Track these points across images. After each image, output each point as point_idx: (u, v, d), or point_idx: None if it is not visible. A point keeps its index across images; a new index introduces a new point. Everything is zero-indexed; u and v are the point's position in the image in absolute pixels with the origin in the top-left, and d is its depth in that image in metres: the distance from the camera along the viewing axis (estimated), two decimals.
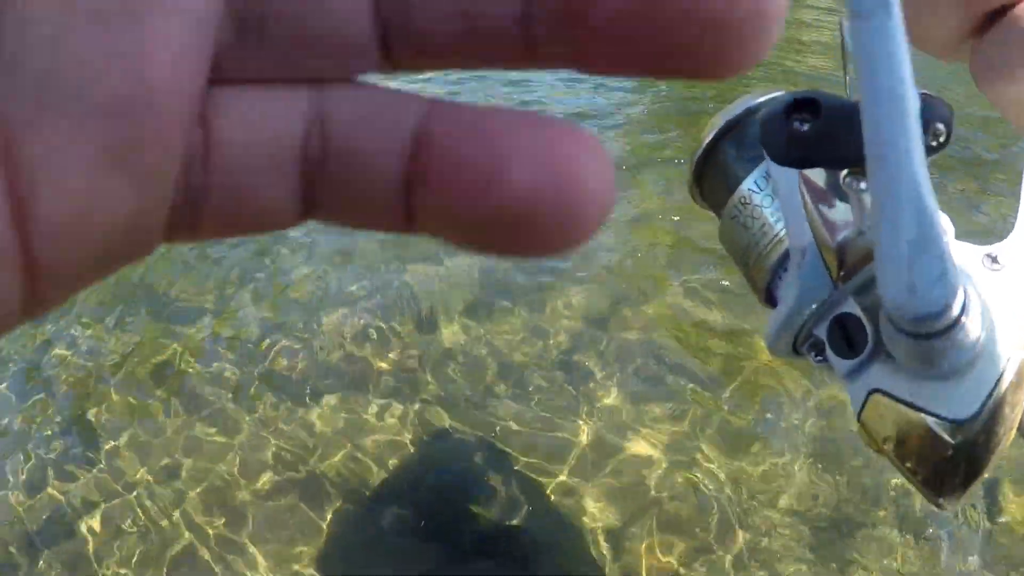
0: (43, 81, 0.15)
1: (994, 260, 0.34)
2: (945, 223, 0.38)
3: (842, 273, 0.42)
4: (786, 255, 0.48)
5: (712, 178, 0.53)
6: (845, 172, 0.39)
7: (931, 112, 0.33)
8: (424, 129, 0.17)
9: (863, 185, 0.37)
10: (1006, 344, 0.36)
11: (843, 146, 0.33)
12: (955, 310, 0.34)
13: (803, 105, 0.36)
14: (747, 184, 0.50)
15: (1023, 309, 0.35)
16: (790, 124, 0.34)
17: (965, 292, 0.36)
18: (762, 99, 0.51)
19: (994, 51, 0.31)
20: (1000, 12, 0.31)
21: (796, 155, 0.34)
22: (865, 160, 0.28)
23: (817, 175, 0.43)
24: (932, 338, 0.35)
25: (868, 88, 0.26)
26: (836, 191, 0.40)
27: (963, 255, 0.37)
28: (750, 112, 0.51)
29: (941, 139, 0.33)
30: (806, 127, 0.33)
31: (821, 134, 0.33)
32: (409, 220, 0.18)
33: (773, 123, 0.34)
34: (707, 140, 0.52)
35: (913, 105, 0.26)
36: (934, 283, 0.30)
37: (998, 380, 0.37)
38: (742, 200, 0.50)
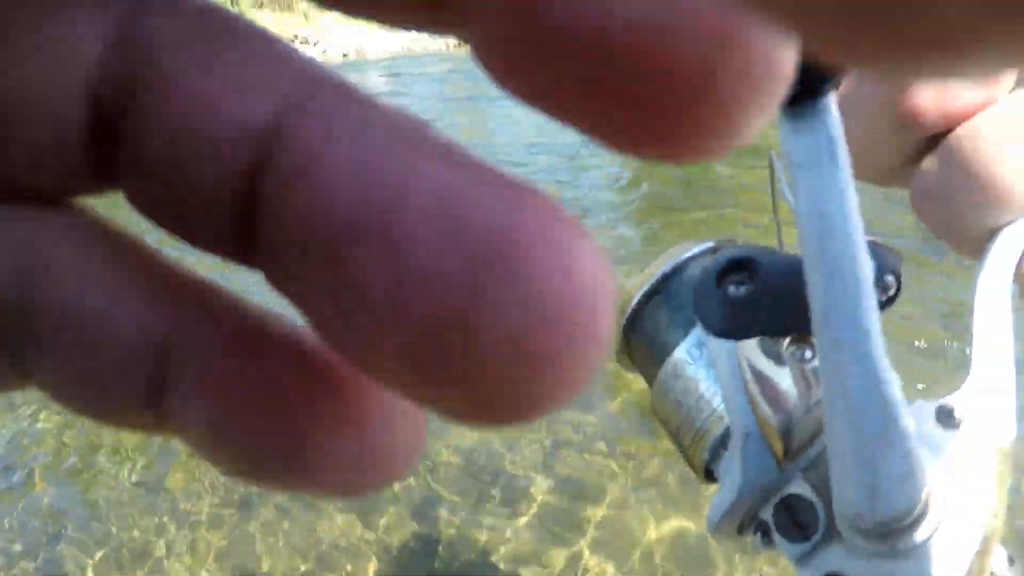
0: None
1: (949, 415, 0.31)
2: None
3: (788, 452, 0.39)
4: (726, 433, 0.44)
5: (640, 346, 0.48)
6: (788, 340, 0.35)
7: (881, 264, 0.30)
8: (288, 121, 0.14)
9: (809, 355, 0.34)
10: (968, 514, 0.32)
11: (785, 312, 0.29)
12: (919, 507, 0.31)
13: (738, 265, 0.33)
14: (679, 353, 0.45)
15: (983, 469, 0.32)
16: (725, 289, 0.31)
17: (927, 476, 0.32)
18: (691, 253, 0.47)
19: (931, 177, 0.31)
20: (935, 140, 0.31)
21: (733, 325, 0.31)
22: (813, 333, 0.26)
23: (757, 342, 0.39)
24: (891, 536, 0.32)
25: (815, 253, 0.25)
26: (778, 360, 0.37)
27: (917, 414, 0.34)
28: (677, 270, 0.47)
29: (891, 292, 0.31)
30: (742, 290, 0.30)
31: (760, 299, 0.30)
32: (244, 244, 0.15)
33: (706, 290, 0.31)
34: (632, 303, 0.47)
35: (866, 270, 0.25)
36: (898, 483, 0.27)
37: (963, 553, 0.33)
38: (675, 372, 0.46)
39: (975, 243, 0.30)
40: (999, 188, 0.28)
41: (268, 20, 42.06)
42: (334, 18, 40.28)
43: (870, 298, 0.25)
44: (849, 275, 0.25)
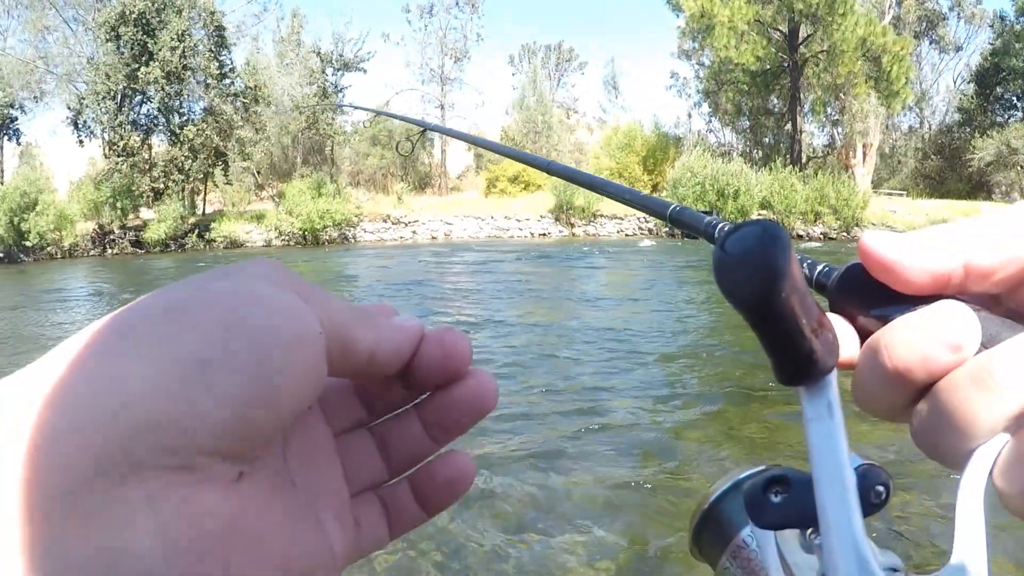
0: None
1: None
2: (894, 559, 0.47)
3: None
4: None
5: (709, 535, 0.64)
6: (811, 530, 0.46)
7: (873, 479, 0.41)
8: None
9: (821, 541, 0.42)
10: None
11: (808, 512, 0.39)
12: None
13: (777, 481, 0.48)
14: (737, 540, 0.61)
15: None
16: (767, 496, 0.43)
17: None
18: (746, 474, 0.63)
19: (924, 418, 0.39)
20: (927, 387, 0.39)
21: (772, 520, 0.42)
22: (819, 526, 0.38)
23: (791, 533, 0.53)
24: None
25: (817, 473, 0.38)
26: (804, 544, 0.47)
27: None
28: (738, 484, 0.63)
29: (882, 498, 0.41)
30: (779, 498, 0.41)
31: (791, 504, 0.40)
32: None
33: (755, 496, 0.42)
34: (706, 504, 0.64)
35: (851, 483, 0.37)
36: None
37: None
38: (733, 553, 0.61)
39: (959, 460, 0.38)
40: (972, 429, 0.37)
41: (364, 199, 44.80)
42: (424, 203, 42.89)
43: (855, 504, 0.37)
44: (839, 487, 0.37)
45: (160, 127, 42.35)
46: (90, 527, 0.29)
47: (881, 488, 0.42)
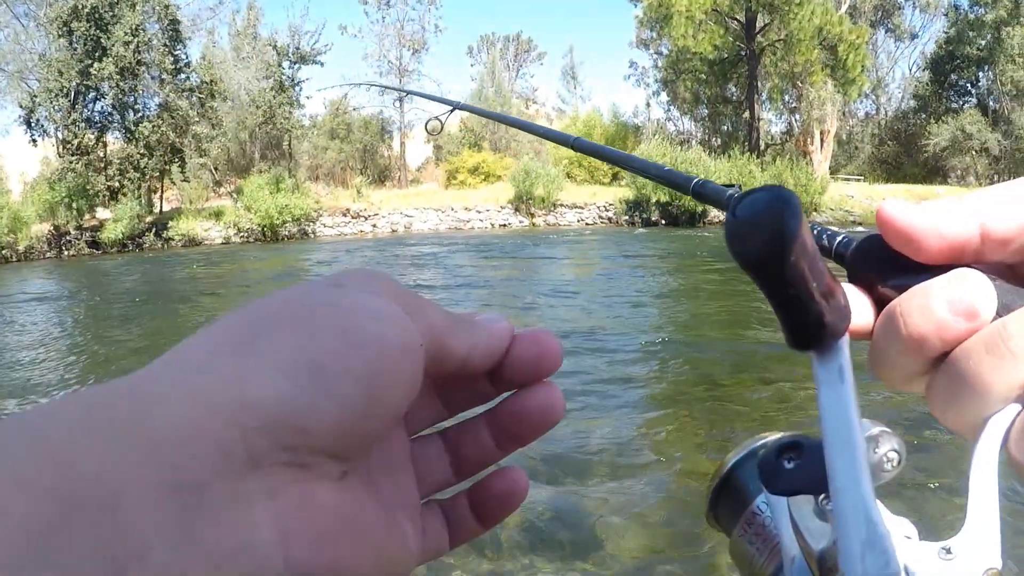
0: None
1: (948, 551, 0.38)
2: (908, 527, 0.47)
3: (823, 572, 0.49)
4: (782, 564, 0.58)
5: (725, 503, 0.66)
6: (823, 496, 0.48)
7: (886, 444, 0.43)
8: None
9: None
10: None
11: (820, 478, 0.41)
12: None
13: (790, 447, 0.49)
14: (752, 507, 0.62)
15: None
16: (780, 463, 0.44)
17: None
18: (761, 442, 0.65)
19: (939, 387, 0.40)
20: (943, 356, 0.39)
21: (785, 487, 0.42)
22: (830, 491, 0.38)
23: (803, 499, 0.52)
24: None
25: (828, 437, 0.38)
26: (817, 510, 0.49)
27: (921, 551, 0.42)
28: (753, 453, 0.65)
29: (895, 464, 0.43)
30: (792, 464, 0.42)
31: (804, 470, 0.41)
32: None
33: (768, 462, 0.43)
34: (723, 471, 0.65)
35: (861, 447, 0.37)
36: (881, 572, 0.36)
37: None
38: (748, 520, 0.63)
39: (973, 429, 0.38)
40: (986, 397, 0.37)
41: (323, 193, 44.46)
42: (384, 197, 42.64)
43: (864, 467, 0.37)
44: (849, 452, 0.37)
45: (115, 124, 41.82)
46: (216, 518, 0.30)
47: (894, 454, 0.43)
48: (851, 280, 0.45)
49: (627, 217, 39.66)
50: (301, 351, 0.34)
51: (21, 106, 40.56)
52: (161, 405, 0.31)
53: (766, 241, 0.36)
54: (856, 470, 0.37)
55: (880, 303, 0.43)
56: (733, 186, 0.75)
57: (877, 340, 0.43)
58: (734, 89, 52.25)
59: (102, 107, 41.46)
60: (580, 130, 51.85)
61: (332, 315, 0.36)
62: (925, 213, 0.41)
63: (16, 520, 0.26)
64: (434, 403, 0.50)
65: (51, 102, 39.37)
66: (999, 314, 0.38)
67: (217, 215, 39.40)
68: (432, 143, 63.12)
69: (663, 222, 38.58)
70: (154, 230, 37.47)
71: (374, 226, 40.27)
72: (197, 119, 42.10)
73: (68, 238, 36.96)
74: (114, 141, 42.37)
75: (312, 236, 39.29)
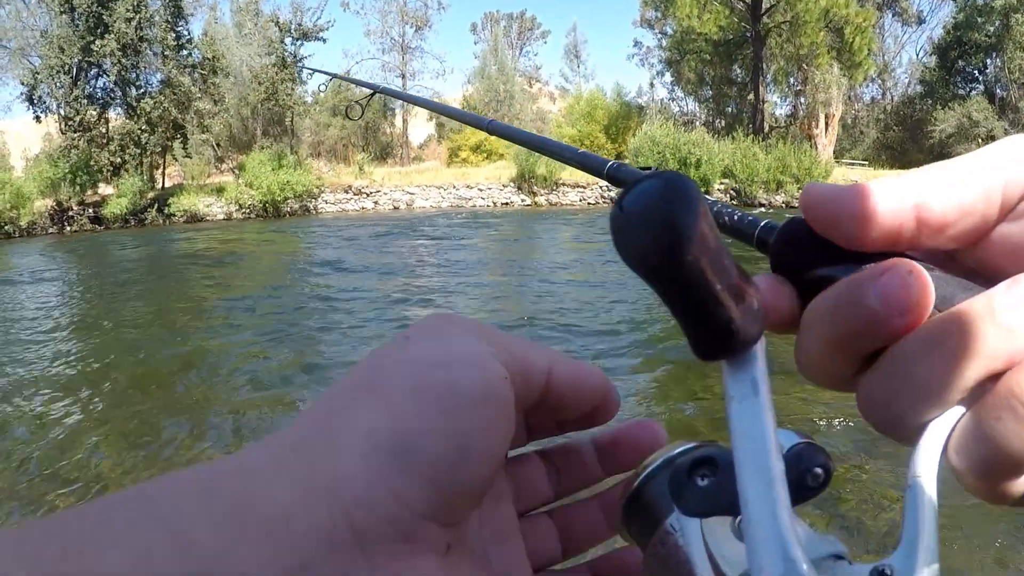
0: None
1: (882, 574, 0.35)
2: (838, 546, 0.43)
3: None
4: None
5: (637, 517, 0.60)
6: (739, 518, 0.42)
7: (809, 460, 0.37)
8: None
9: None
10: None
11: (735, 498, 0.38)
12: None
13: (705, 462, 0.45)
14: (665, 526, 0.56)
15: None
16: (692, 479, 0.40)
17: None
18: (679, 450, 0.60)
19: (871, 389, 0.37)
20: (874, 355, 0.37)
21: (696, 507, 0.39)
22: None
23: (720, 519, 0.48)
24: None
25: (739, 458, 0.35)
26: (736, 531, 0.46)
27: (852, 575, 0.42)
28: (669, 462, 0.58)
29: (820, 481, 0.37)
30: (705, 482, 0.39)
31: (718, 488, 0.38)
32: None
33: (678, 479, 0.40)
34: (634, 485, 0.60)
35: (777, 469, 0.34)
36: None
37: None
38: (661, 537, 0.57)
39: (910, 436, 0.35)
40: (924, 401, 0.34)
41: (324, 170, 44.45)
42: (386, 174, 42.54)
43: (780, 491, 0.33)
44: (762, 475, 0.33)
45: (117, 101, 41.57)
46: None
47: (819, 470, 0.38)
48: (774, 269, 0.42)
49: None
50: (379, 419, 0.34)
51: (23, 83, 40.35)
52: (269, 486, 0.32)
53: (656, 238, 0.32)
54: (770, 497, 0.34)
55: (806, 295, 0.40)
56: (650, 168, 0.72)
57: (802, 336, 0.40)
58: (739, 71, 51.94)
59: (104, 83, 41.23)
60: (583, 109, 52.20)
61: (403, 375, 0.36)
62: (854, 195, 0.38)
63: None
64: (542, 479, 0.49)
65: (53, 79, 39.17)
66: (938, 308, 0.36)
67: (219, 191, 39.17)
68: (435, 120, 62.85)
69: None
70: (156, 206, 37.31)
71: (376, 203, 40.08)
72: (199, 95, 41.91)
73: (71, 214, 36.86)
74: (116, 117, 42.17)
75: (314, 212, 39.06)
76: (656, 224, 0.31)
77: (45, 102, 40.48)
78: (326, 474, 0.33)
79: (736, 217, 0.49)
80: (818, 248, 0.39)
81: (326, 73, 7.53)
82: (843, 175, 39.84)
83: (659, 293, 0.34)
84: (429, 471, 0.33)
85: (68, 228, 36.45)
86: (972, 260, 0.40)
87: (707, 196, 0.43)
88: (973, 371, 0.33)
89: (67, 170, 37.11)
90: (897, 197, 0.38)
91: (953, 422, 0.35)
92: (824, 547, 0.38)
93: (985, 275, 0.38)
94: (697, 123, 53.12)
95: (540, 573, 0.48)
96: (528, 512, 0.49)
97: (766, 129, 48.47)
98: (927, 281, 0.35)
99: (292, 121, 49.60)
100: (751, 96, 50.00)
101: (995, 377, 0.33)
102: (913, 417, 0.35)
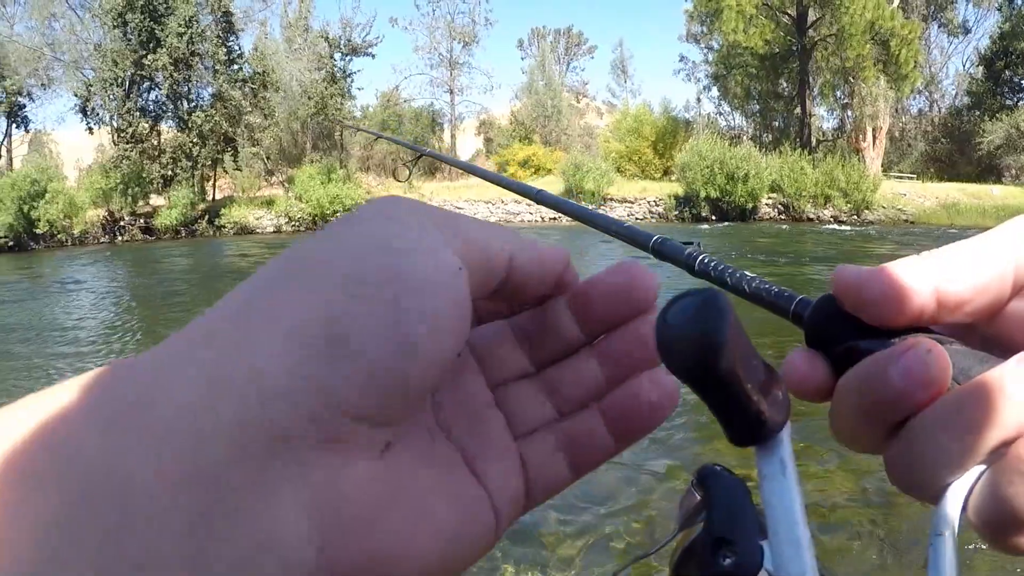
0: None
1: None
2: None
3: None
4: None
5: None
6: None
7: None
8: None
9: None
10: None
11: (756, 569, 0.42)
12: None
13: (725, 543, 0.53)
14: None
15: None
16: (718, 561, 0.46)
17: None
18: (692, 539, 0.66)
19: (897, 455, 0.40)
20: (899, 424, 0.39)
21: None
22: None
23: None
24: None
25: (773, 531, 0.38)
26: None
27: None
28: (690, 551, 0.67)
29: None
30: (728, 561, 0.44)
31: (740, 567, 0.43)
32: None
33: (706, 564, 0.46)
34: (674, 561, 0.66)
35: (806, 539, 0.37)
36: None
37: None
38: None
39: (933, 496, 0.38)
40: (944, 466, 0.37)
41: (373, 184, 44.73)
42: (434, 189, 42.80)
43: (810, 561, 0.37)
44: (794, 540, 0.37)
45: (169, 114, 42.20)
46: (236, 511, 0.27)
47: None
48: (808, 343, 0.45)
49: (677, 212, 39.40)
50: (307, 308, 0.30)
51: (76, 95, 41.04)
52: (166, 386, 0.28)
53: (695, 353, 0.36)
54: (801, 559, 0.37)
55: (838, 367, 0.43)
56: (692, 243, 0.76)
57: (835, 407, 0.42)
58: (785, 84, 51.78)
59: (156, 96, 41.89)
60: (631, 124, 51.90)
61: (340, 257, 0.32)
62: (880, 278, 0.41)
63: (30, 520, 0.25)
64: (517, 353, 0.45)
65: (106, 91, 39.83)
66: (956, 380, 0.38)
67: (269, 204, 39.62)
68: (483, 135, 63.08)
69: (713, 218, 38.27)
70: (207, 217, 37.86)
71: None
72: (250, 109, 42.40)
73: (122, 223, 37.49)
74: (168, 130, 42.71)
75: None
76: (694, 341, 0.36)
77: (98, 114, 41.19)
78: (238, 365, 0.29)
79: (774, 292, 0.51)
80: (848, 324, 0.42)
81: (370, 132, 7.71)
82: (891, 188, 39.61)
83: (699, 394, 0.38)
84: (366, 366, 0.30)
85: (119, 238, 37.08)
86: (990, 332, 0.43)
87: (746, 273, 0.53)
88: (988, 441, 0.36)
89: (119, 181, 37.72)
90: (918, 279, 0.41)
91: (971, 483, 0.37)
92: None
93: (1003, 346, 0.42)
94: (744, 137, 52.91)
95: (530, 434, 0.44)
96: (504, 382, 0.45)
97: (813, 143, 48.33)
98: (945, 358, 0.38)
99: (342, 135, 50.05)
100: (798, 110, 49.88)
101: (1008, 443, 0.36)
102: (934, 481, 0.38)
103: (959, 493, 0.37)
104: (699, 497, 0.70)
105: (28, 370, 9.89)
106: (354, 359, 0.29)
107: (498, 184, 1.86)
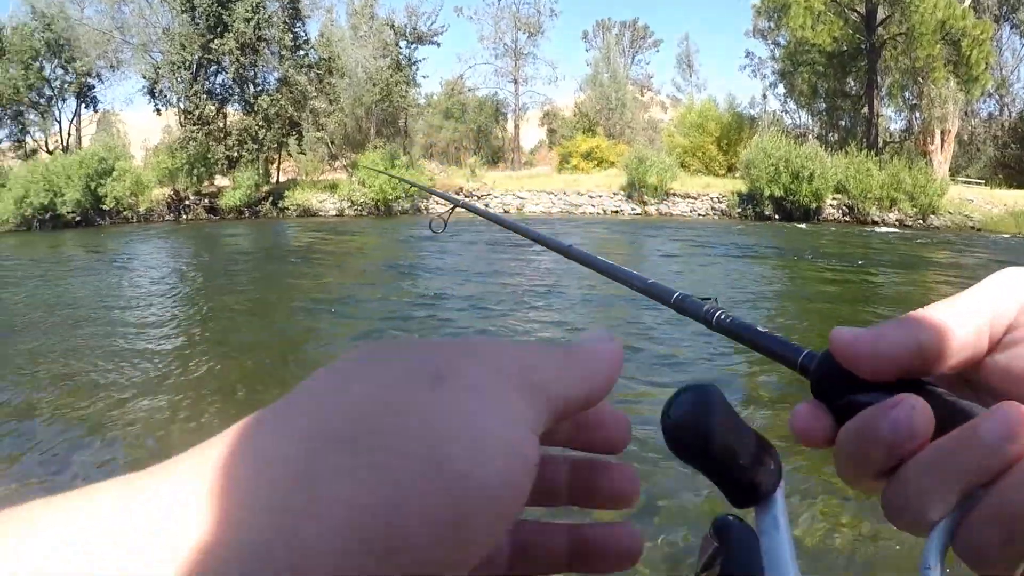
0: None
1: None
2: None
3: None
4: None
5: None
6: None
7: None
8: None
9: None
10: None
11: None
12: None
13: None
14: None
15: None
16: None
17: None
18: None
19: (891, 495, 0.44)
20: (895, 468, 0.44)
21: None
22: None
23: None
24: None
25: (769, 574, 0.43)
26: None
27: None
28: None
29: None
30: None
31: None
32: None
33: None
34: None
35: None
36: None
37: None
38: None
39: (924, 532, 0.43)
40: (932, 503, 0.42)
41: (436, 171, 44.89)
42: (496, 178, 42.81)
43: None
44: None
45: (235, 97, 43.05)
46: None
47: None
48: (814, 393, 0.50)
49: (740, 210, 39.20)
50: (364, 492, 0.29)
51: (145, 77, 41.89)
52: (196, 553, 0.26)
53: (694, 438, 0.43)
54: None
55: (840, 417, 0.48)
56: (709, 299, 0.79)
57: (836, 455, 0.47)
58: (853, 83, 51.28)
59: (223, 80, 42.70)
60: (695, 119, 51.87)
61: (416, 439, 0.31)
62: (869, 339, 0.46)
63: None
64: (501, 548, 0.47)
65: (174, 74, 40.65)
66: (941, 431, 0.43)
67: (332, 188, 40.05)
68: (546, 126, 63.06)
69: (776, 217, 37.94)
70: (270, 199, 38.39)
71: (486, 206, 39.85)
72: (315, 94, 42.96)
73: (187, 203, 38.24)
74: (234, 113, 43.43)
75: (425, 212, 39.32)
76: (691, 431, 0.43)
77: (166, 96, 42.11)
78: (291, 545, 0.27)
79: (782, 344, 0.56)
80: (848, 379, 0.48)
81: (412, 183, 7.66)
82: (959, 194, 38.95)
83: (701, 471, 0.45)
84: (412, 569, 0.29)
85: (184, 216, 37.76)
86: (979, 377, 0.48)
87: (759, 328, 0.59)
88: (966, 485, 0.41)
89: (185, 161, 38.49)
90: (903, 339, 0.46)
91: (955, 522, 0.42)
92: None
93: (988, 392, 0.48)
94: (810, 136, 52.43)
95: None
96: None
97: (880, 144, 47.70)
98: (928, 412, 0.43)
99: (406, 122, 50.49)
100: (865, 109, 49.34)
101: (985, 486, 0.41)
102: (923, 520, 0.43)
103: (945, 531, 0.42)
104: (716, 544, 0.79)
105: (95, 339, 10.10)
106: (404, 559, 0.29)
107: (526, 235, 1.84)
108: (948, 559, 0.42)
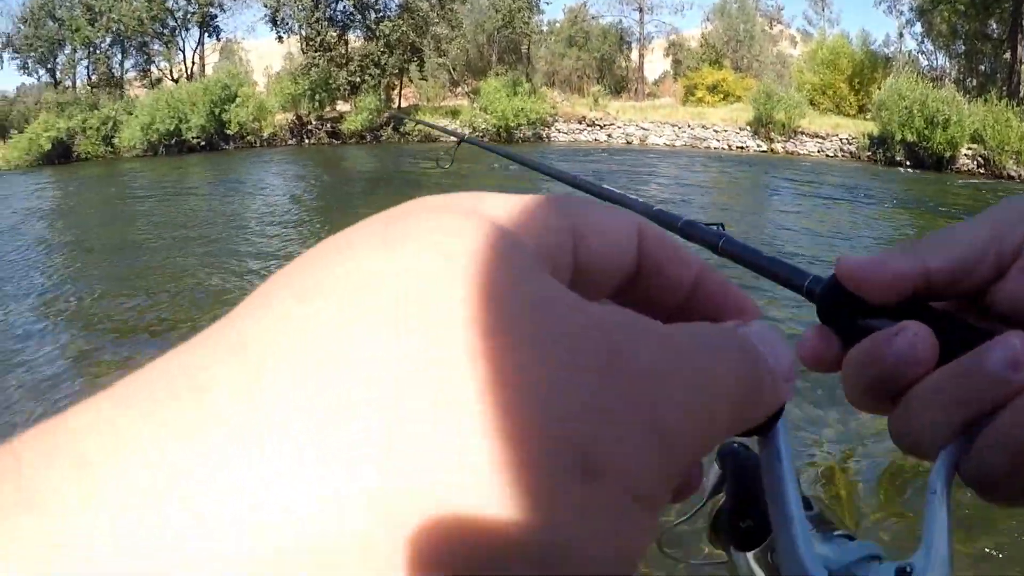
0: None
1: (906, 571, 0.42)
2: (876, 549, 0.58)
3: None
4: None
5: (718, 542, 0.84)
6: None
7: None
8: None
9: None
10: None
11: (768, 534, 0.57)
12: None
13: (746, 511, 0.69)
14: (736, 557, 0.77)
15: None
16: (737, 524, 0.58)
17: None
18: (720, 505, 0.80)
19: (897, 420, 0.45)
20: (902, 392, 0.44)
21: (743, 545, 0.56)
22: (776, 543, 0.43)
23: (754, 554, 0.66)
24: None
25: (771, 504, 0.42)
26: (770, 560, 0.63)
27: (881, 572, 0.50)
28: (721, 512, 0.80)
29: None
30: (745, 525, 0.57)
31: (757, 530, 0.57)
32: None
33: (725, 523, 0.58)
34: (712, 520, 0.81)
35: (796, 514, 0.41)
36: None
37: None
38: (735, 560, 0.77)
39: (930, 456, 0.43)
40: (936, 430, 0.42)
41: (559, 99, 44.21)
42: (620, 108, 41.80)
43: (797, 527, 0.41)
44: (787, 517, 0.41)
45: (356, 23, 42.71)
46: None
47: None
48: (820, 318, 0.50)
49: (869, 153, 37.27)
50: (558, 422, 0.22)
51: (266, 5, 41.86)
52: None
53: None
54: (791, 534, 0.41)
55: (847, 340, 0.47)
56: (715, 224, 0.81)
57: (844, 378, 0.47)
58: (995, 26, 48.58)
59: (344, 7, 42.37)
60: (826, 56, 49.65)
61: (597, 337, 0.24)
62: (873, 264, 0.46)
63: None
64: None
65: (295, 2, 40.50)
66: (945, 359, 0.43)
67: (454, 114, 39.58)
68: (672, 57, 61.70)
69: (908, 163, 36.00)
70: (392, 124, 38.07)
71: (609, 136, 39.72)
72: (437, 20, 42.38)
73: (309, 127, 38.29)
74: (355, 39, 43.24)
75: (546, 140, 38.93)
76: None
77: (287, 23, 42.01)
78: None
79: (789, 269, 0.56)
80: (854, 303, 0.47)
81: (419, 122, 7.17)
82: None
83: None
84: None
85: (306, 141, 37.83)
86: (988, 302, 0.48)
87: (764, 253, 0.60)
88: (970, 413, 0.41)
89: (307, 87, 38.47)
90: (910, 264, 0.46)
91: (959, 449, 0.42)
92: (861, 551, 0.50)
93: (999, 319, 0.47)
94: (947, 80, 49.94)
95: None
96: None
97: (1022, 93, 45.41)
98: (932, 340, 0.43)
99: (528, 49, 49.62)
100: (1007, 55, 46.83)
101: (988, 415, 0.41)
102: (928, 445, 0.43)
103: (950, 457, 0.42)
104: (720, 471, 0.85)
105: (219, 256, 10.52)
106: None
107: (542, 172, 2.03)
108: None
